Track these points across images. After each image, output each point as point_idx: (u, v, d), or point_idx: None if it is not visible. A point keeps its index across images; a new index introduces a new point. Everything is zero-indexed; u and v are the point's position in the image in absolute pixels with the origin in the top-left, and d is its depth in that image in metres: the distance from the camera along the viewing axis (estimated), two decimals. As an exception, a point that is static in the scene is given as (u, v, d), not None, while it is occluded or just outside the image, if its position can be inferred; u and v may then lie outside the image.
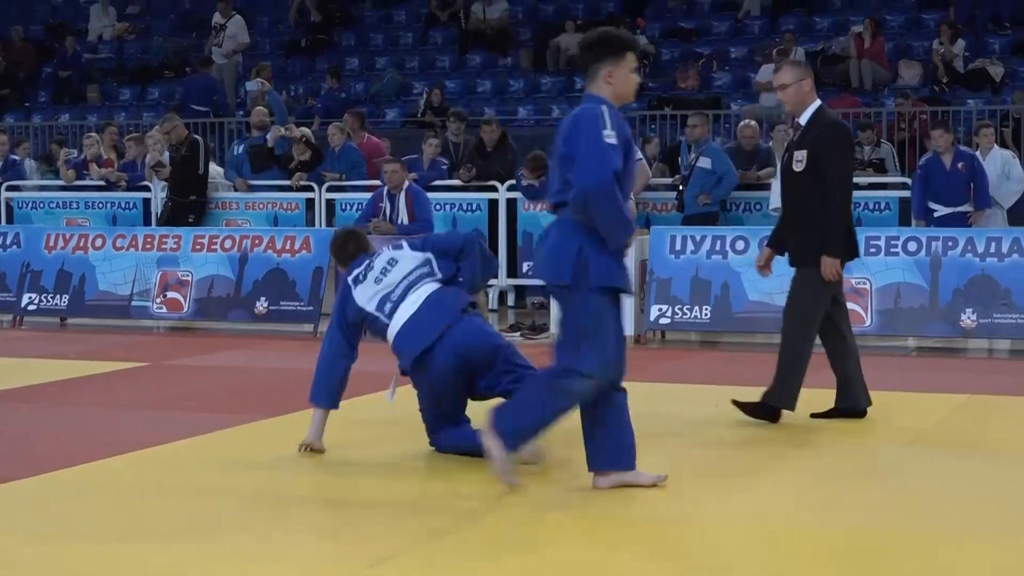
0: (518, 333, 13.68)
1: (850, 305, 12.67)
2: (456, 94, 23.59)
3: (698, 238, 13.18)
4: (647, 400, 9.74)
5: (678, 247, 13.15)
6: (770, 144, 16.53)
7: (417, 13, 26.11)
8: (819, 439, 8.20)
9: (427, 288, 7.53)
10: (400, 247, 7.78)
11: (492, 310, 16.06)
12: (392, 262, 7.65)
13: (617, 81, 6.59)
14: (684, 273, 13.06)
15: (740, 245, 12.97)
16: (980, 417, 9.07)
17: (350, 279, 7.72)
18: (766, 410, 8.61)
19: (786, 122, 15.59)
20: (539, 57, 23.77)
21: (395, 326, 7.47)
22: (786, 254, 8.80)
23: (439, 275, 7.60)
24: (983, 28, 21.93)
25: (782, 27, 22.76)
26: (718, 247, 13.04)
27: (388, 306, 7.51)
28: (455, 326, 7.37)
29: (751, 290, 12.79)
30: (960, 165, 14.52)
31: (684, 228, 13.85)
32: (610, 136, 6.38)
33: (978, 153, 15.09)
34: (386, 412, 8.13)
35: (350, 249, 7.95)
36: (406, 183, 14.91)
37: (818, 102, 8.70)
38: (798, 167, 8.57)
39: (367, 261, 7.73)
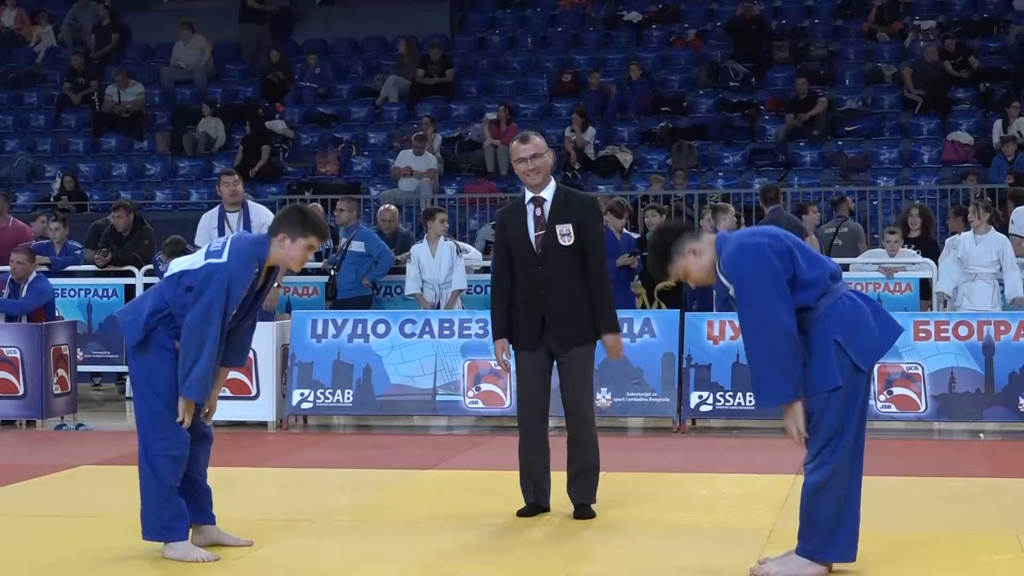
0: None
1: (489, 387, 13.01)
2: (91, 177, 23.08)
3: (339, 322, 13.18)
4: (288, 487, 9.67)
5: (320, 331, 13.12)
6: (408, 229, 16.60)
7: (49, 95, 25.47)
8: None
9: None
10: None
11: (130, 397, 15.66)
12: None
13: None
14: (326, 357, 13.04)
15: (381, 329, 13.03)
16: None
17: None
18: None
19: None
20: (176, 141, 23.51)
21: None
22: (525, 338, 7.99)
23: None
24: (612, 117, 22.77)
25: (419, 114, 23.12)
26: (360, 331, 13.07)
27: None
28: None
29: (393, 373, 12.87)
30: None
31: (325, 312, 13.80)
32: None
33: None
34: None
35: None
36: (33, 274, 14.12)
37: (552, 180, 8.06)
38: (566, 241, 7.88)
39: None
